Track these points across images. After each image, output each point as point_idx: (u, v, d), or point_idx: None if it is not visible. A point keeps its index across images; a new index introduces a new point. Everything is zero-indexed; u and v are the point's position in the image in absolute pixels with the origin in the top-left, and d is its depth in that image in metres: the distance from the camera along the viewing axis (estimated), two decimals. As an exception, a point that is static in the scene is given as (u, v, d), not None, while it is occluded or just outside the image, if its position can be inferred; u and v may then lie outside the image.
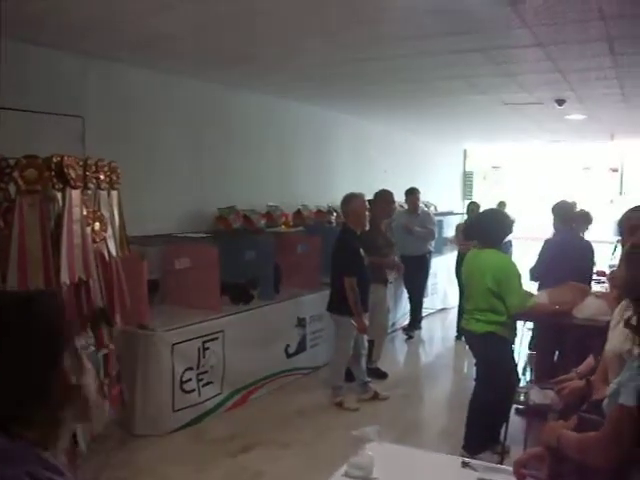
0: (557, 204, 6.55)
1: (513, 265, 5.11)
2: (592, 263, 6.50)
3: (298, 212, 8.53)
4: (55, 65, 5.63)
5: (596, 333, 3.79)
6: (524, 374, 6.15)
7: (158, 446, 5.39)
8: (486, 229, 5.23)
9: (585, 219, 7.35)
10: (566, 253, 6.06)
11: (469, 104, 9.00)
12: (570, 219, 6.51)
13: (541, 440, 2.42)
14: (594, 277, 7.10)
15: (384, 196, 7.52)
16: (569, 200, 6.94)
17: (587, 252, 6.34)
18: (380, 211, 7.39)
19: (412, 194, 9.38)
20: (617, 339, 2.97)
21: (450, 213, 13.43)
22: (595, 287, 6.61)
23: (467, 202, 12.67)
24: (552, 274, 5.81)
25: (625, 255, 2.41)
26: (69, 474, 1.35)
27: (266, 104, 8.47)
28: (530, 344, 7.08)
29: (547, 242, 6.46)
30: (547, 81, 7.06)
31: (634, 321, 1.95)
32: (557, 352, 5.97)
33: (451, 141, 15.26)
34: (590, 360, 3.61)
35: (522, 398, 4.63)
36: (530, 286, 6.27)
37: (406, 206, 9.66)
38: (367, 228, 6.80)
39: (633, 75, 6.71)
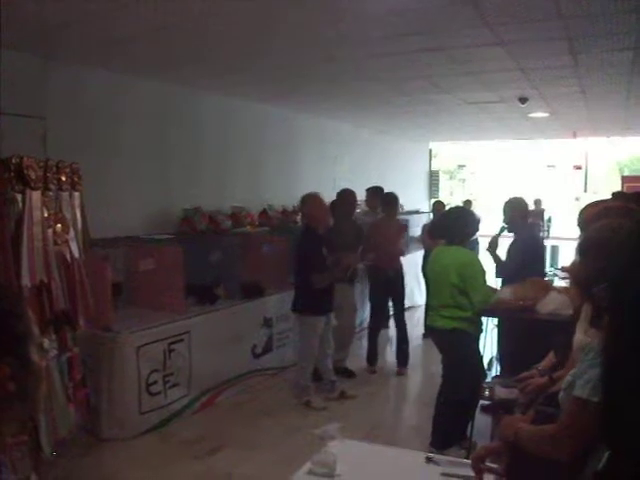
0: (515, 200, 6.46)
1: (478, 262, 5.16)
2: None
3: (264, 212, 8.51)
4: (16, 66, 5.54)
5: (558, 328, 3.83)
6: (490, 369, 6.18)
7: (125, 450, 5.35)
8: (453, 226, 5.28)
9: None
10: (534, 251, 6.09)
11: (433, 103, 9.06)
12: (527, 215, 6.48)
13: (499, 435, 2.44)
14: (560, 273, 7.16)
15: (344, 195, 7.54)
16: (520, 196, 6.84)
17: (544, 248, 6.40)
18: (341, 210, 7.40)
19: (377, 193, 9.37)
20: (582, 331, 3.00)
21: (416, 212, 13.50)
22: (559, 283, 6.67)
23: (433, 201, 12.73)
24: (523, 272, 5.73)
25: (576, 248, 2.44)
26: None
27: (230, 105, 8.44)
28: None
29: (516, 241, 6.35)
30: (509, 79, 7.12)
31: (588, 311, 1.97)
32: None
33: (417, 140, 15.34)
34: (551, 356, 3.65)
35: (487, 393, 4.67)
36: (495, 282, 6.30)
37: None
38: (331, 223, 6.84)
39: (592, 74, 6.82)
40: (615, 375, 1.68)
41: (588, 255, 2.29)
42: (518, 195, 6.68)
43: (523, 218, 6.35)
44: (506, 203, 6.41)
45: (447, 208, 8.66)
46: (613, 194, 5.57)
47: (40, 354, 1.42)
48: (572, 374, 2.14)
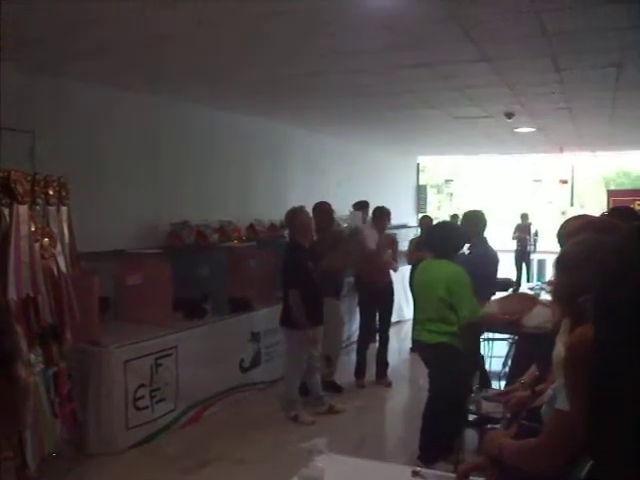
0: (470, 213, 6.39)
1: (465, 276, 5.16)
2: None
3: (251, 227, 8.52)
4: (3, 78, 5.54)
5: (542, 341, 3.85)
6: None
7: (112, 465, 5.30)
8: (439, 240, 5.30)
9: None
10: (484, 266, 6.04)
11: (421, 118, 9.12)
12: (482, 229, 6.39)
13: (483, 449, 2.45)
14: (547, 287, 7.17)
15: (320, 207, 7.54)
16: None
17: (495, 264, 6.39)
18: (321, 222, 7.39)
19: (363, 207, 9.41)
20: (562, 345, 3.02)
21: (404, 226, 13.51)
22: (546, 296, 6.70)
23: (420, 215, 12.77)
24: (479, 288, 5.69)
25: (555, 262, 2.45)
26: None
27: (218, 119, 8.46)
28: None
29: (468, 254, 6.26)
30: (495, 95, 7.19)
31: (567, 324, 1.99)
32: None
33: (405, 154, 15.39)
34: (533, 369, 3.66)
35: (474, 408, 4.68)
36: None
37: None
38: (315, 238, 6.88)
39: (578, 90, 6.89)
40: (601, 384, 1.70)
41: (569, 268, 2.30)
42: (477, 209, 6.67)
43: (477, 232, 6.27)
44: (464, 215, 6.44)
45: (434, 222, 8.69)
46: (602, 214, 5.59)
47: (27, 370, 1.41)
48: (554, 388, 2.15)
